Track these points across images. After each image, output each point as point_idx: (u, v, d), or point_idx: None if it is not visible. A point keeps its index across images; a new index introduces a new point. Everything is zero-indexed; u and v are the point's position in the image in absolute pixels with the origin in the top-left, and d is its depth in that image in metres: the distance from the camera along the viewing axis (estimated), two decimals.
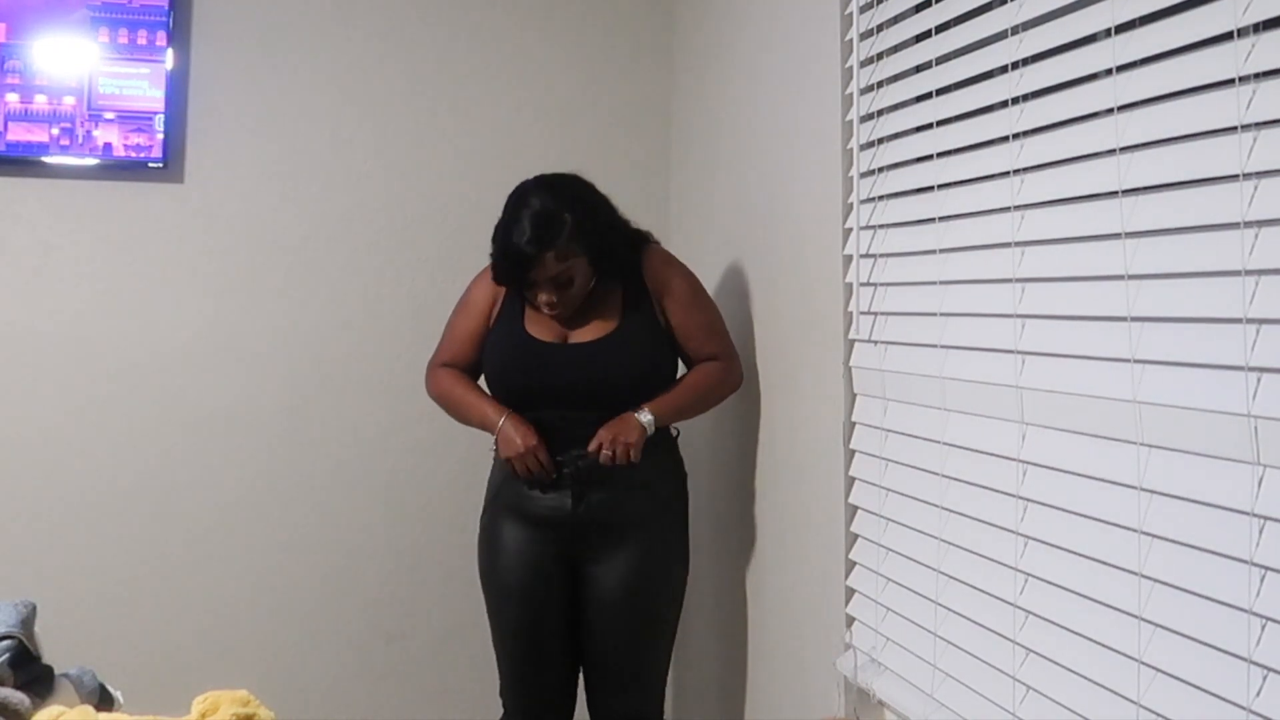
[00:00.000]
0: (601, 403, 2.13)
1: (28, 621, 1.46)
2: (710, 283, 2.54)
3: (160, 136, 2.61)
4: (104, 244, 2.67)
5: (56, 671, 1.46)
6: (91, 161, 2.61)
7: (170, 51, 2.63)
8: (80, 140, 2.59)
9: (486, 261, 2.17)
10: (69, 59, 2.59)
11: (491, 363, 2.22)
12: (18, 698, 1.33)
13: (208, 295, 2.72)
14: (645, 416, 2.12)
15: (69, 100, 2.58)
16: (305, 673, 2.74)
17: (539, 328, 2.17)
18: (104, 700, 1.49)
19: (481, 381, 2.26)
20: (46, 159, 2.59)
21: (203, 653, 2.67)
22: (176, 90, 2.66)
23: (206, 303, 2.72)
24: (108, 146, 2.60)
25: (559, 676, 2.24)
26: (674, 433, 2.26)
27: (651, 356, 2.18)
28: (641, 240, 2.23)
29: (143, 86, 2.61)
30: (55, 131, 2.58)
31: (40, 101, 2.57)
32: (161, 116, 2.61)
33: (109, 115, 2.59)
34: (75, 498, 2.64)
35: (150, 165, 2.63)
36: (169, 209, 2.70)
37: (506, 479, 2.20)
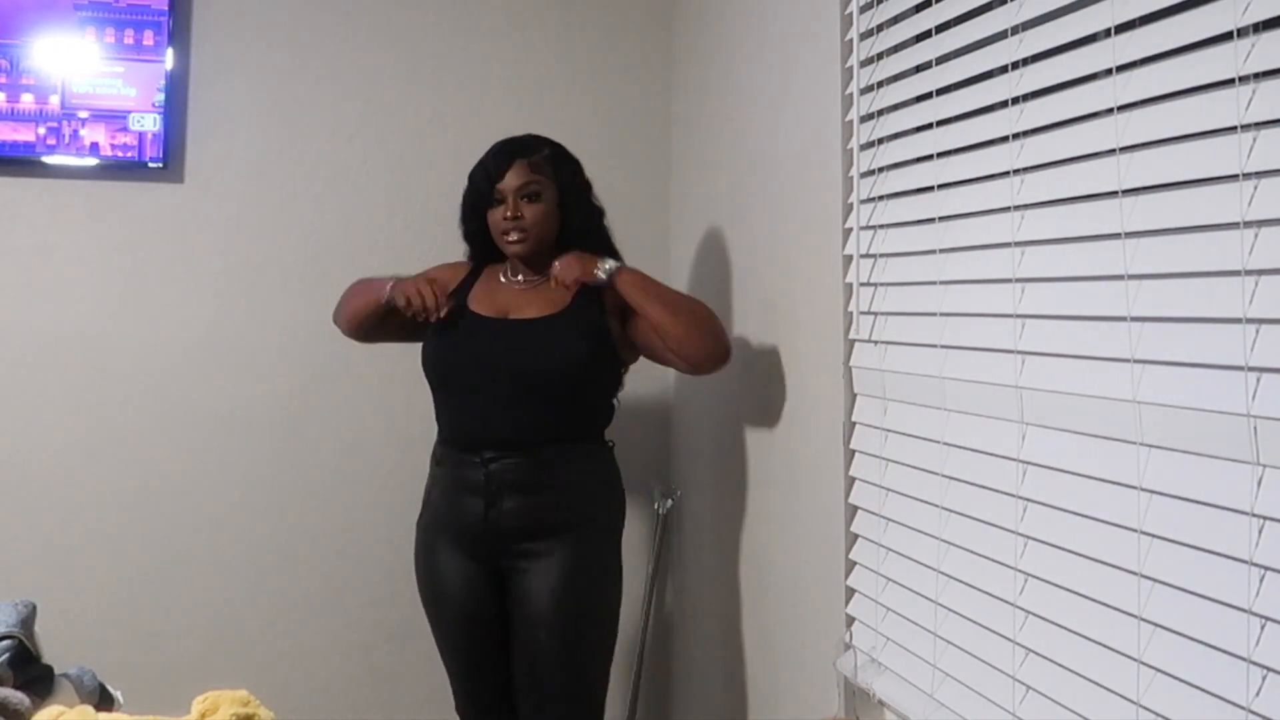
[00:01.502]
0: (529, 387, 2.04)
1: (28, 621, 1.47)
2: (710, 283, 2.54)
3: (138, 135, 2.60)
4: (104, 244, 2.67)
5: (56, 671, 1.46)
6: (91, 162, 2.60)
7: (170, 51, 2.63)
8: (67, 140, 2.58)
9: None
10: (55, 58, 2.58)
11: (427, 340, 2.14)
12: (18, 698, 1.33)
13: (208, 295, 2.72)
14: (607, 264, 2.06)
15: (55, 99, 2.58)
16: (305, 673, 2.74)
17: (482, 304, 2.12)
18: (104, 700, 1.49)
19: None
20: (47, 159, 2.58)
21: (203, 653, 2.67)
22: (176, 90, 2.66)
23: (206, 303, 2.72)
24: (94, 146, 2.59)
25: (501, 697, 2.13)
26: (609, 443, 2.17)
27: (590, 347, 2.07)
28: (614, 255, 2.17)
29: (116, 85, 2.60)
30: (42, 131, 2.57)
31: (27, 101, 2.56)
32: (136, 115, 2.60)
33: (83, 114, 2.58)
34: (75, 497, 2.64)
35: (150, 165, 2.63)
36: (169, 209, 2.70)
37: (436, 490, 2.17)
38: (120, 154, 2.60)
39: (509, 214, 2.07)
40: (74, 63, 2.58)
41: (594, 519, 2.11)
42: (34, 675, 1.42)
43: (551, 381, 2.06)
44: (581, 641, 2.07)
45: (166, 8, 2.62)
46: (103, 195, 2.66)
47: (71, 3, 2.58)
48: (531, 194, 2.08)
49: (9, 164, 2.58)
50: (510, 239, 2.09)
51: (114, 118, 2.60)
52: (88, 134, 2.59)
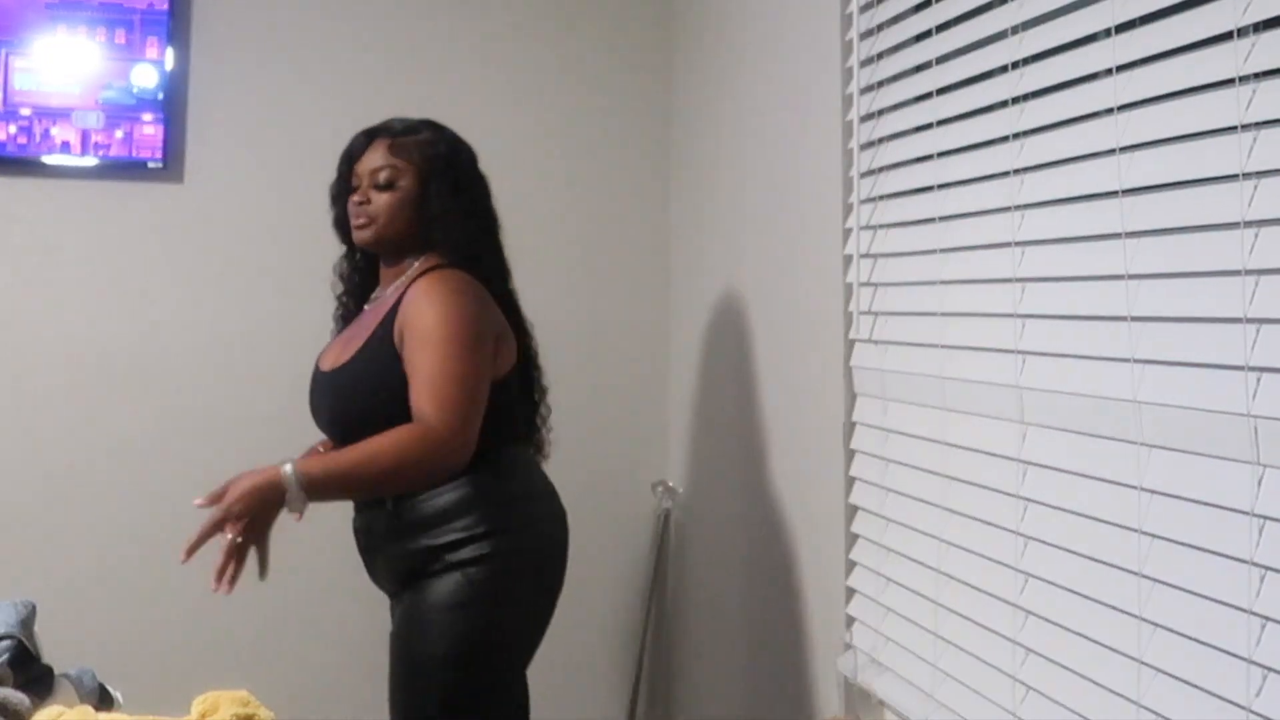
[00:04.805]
0: (342, 445, 1.84)
1: (28, 621, 1.47)
2: (710, 283, 2.54)
3: (81, 132, 2.58)
4: (103, 245, 2.67)
5: (56, 671, 1.47)
6: (91, 161, 2.60)
7: (170, 51, 2.63)
8: (38, 139, 2.57)
9: None
10: (23, 56, 2.56)
11: None
12: (18, 698, 1.33)
13: (208, 296, 2.72)
14: (286, 469, 1.74)
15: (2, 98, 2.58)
16: (305, 673, 2.74)
17: (326, 355, 1.95)
18: (104, 700, 1.50)
19: None
20: (46, 159, 2.58)
21: (203, 653, 2.67)
22: (176, 90, 2.66)
23: (206, 303, 2.72)
24: (65, 144, 2.58)
25: None
26: (482, 477, 1.80)
27: (372, 396, 1.80)
28: (463, 257, 1.85)
29: (57, 83, 2.58)
30: (13, 129, 2.57)
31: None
32: (79, 113, 2.58)
33: (25, 110, 2.56)
34: (75, 498, 2.64)
35: (150, 165, 2.62)
36: (168, 209, 2.70)
37: None
38: (91, 152, 2.59)
39: (357, 199, 1.86)
40: (30, 60, 2.56)
41: (441, 562, 1.87)
42: (34, 675, 1.42)
43: (351, 433, 1.80)
44: (399, 693, 1.90)
45: (148, 6, 2.60)
46: (102, 195, 2.66)
47: (44, 1, 2.57)
48: (385, 182, 1.84)
49: (12, 164, 2.58)
50: (355, 223, 1.88)
51: (56, 115, 2.58)
52: (59, 133, 2.57)
